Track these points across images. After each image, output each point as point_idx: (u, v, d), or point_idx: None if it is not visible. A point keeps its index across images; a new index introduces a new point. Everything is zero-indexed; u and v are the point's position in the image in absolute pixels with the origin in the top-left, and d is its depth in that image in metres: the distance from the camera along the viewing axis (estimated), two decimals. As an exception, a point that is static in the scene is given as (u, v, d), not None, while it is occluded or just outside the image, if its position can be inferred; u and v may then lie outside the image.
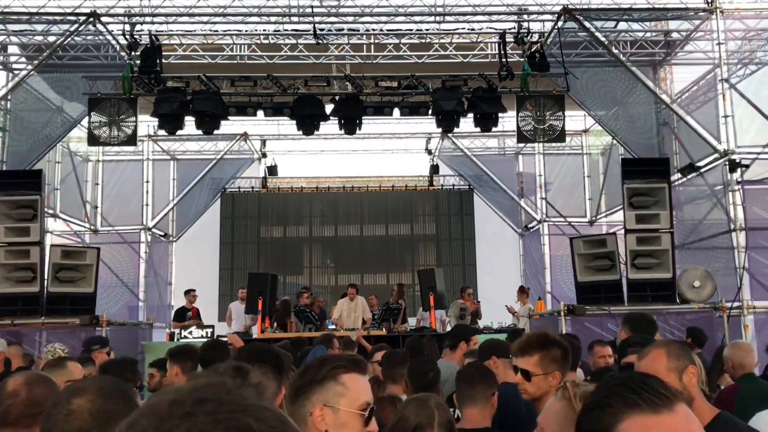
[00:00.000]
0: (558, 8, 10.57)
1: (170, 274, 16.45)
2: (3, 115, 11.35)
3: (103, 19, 10.56)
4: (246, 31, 12.18)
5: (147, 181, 15.78)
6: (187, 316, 11.88)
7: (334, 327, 11.20)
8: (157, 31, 11.39)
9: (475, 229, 17.23)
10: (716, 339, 8.78)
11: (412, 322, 12.52)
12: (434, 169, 17.66)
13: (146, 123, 14.12)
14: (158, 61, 10.87)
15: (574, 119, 14.64)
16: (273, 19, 11.46)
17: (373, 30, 12.15)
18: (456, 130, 12.12)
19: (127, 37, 10.81)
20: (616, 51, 11.03)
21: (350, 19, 11.62)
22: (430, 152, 17.64)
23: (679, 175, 11.18)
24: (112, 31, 11.13)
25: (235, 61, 12.66)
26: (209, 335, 10.87)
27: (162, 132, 12.35)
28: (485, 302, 12.94)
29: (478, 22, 11.66)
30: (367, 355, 6.06)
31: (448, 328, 10.09)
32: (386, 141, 17.39)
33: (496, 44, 11.44)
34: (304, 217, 17.72)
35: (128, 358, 5.41)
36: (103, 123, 10.96)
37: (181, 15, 10.94)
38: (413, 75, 11.29)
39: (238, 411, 0.83)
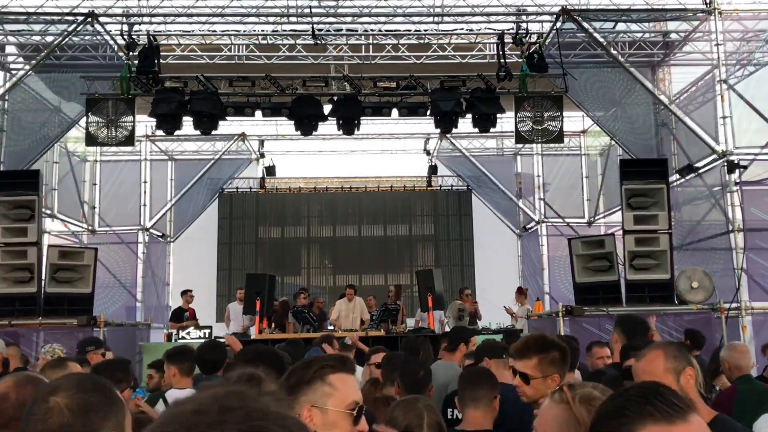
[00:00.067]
0: (556, 9, 10.57)
1: (168, 274, 16.44)
2: (0, 115, 11.32)
3: (101, 19, 10.54)
4: (244, 31, 12.18)
5: (145, 182, 15.77)
6: (184, 316, 11.86)
7: (332, 328, 11.19)
8: (155, 31, 11.37)
9: (474, 229, 17.23)
10: (714, 340, 8.78)
11: (411, 323, 12.50)
12: (432, 169, 17.68)
13: (144, 123, 14.10)
14: (156, 62, 10.87)
15: (573, 120, 14.64)
16: (271, 19, 11.46)
17: (372, 30, 12.15)
18: (454, 130, 12.13)
19: (125, 37, 10.79)
20: (614, 52, 11.04)
21: (349, 19, 11.62)
22: (428, 153, 17.66)
23: (678, 175, 11.19)
24: (110, 31, 11.12)
25: (233, 62, 12.65)
26: (207, 336, 10.86)
27: (160, 132, 12.34)
28: (483, 303, 12.93)
29: (476, 22, 11.67)
30: (364, 358, 6.04)
31: (447, 329, 10.08)
32: (384, 141, 17.40)
33: (495, 45, 11.44)
34: (302, 218, 17.71)
35: (120, 358, 5.41)
36: (100, 123, 10.95)
37: (179, 15, 10.93)
38: (412, 75, 11.29)
39: (264, 419, 0.84)
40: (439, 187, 17.85)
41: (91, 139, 11.13)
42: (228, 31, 12.15)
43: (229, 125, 13.04)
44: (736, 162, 9.89)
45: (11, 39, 11.94)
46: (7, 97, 11.15)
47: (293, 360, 4.85)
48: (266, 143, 17.35)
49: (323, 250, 17.79)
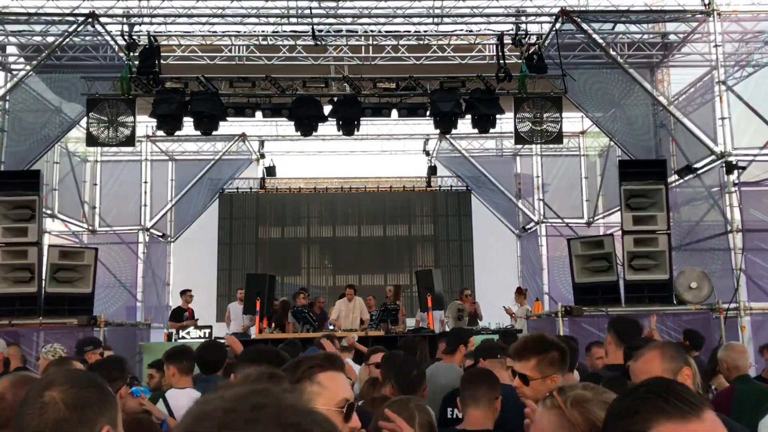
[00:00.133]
0: (556, 10, 10.59)
1: (168, 274, 16.44)
2: (1, 115, 11.34)
3: (102, 19, 10.56)
4: (244, 32, 12.19)
5: (145, 182, 15.78)
6: (184, 316, 11.88)
7: (332, 328, 11.20)
8: (155, 31, 11.39)
9: (473, 230, 17.24)
10: (713, 340, 8.80)
11: (412, 323, 12.51)
12: (432, 170, 17.69)
13: (145, 123, 14.11)
14: (157, 62, 10.88)
15: (572, 121, 14.66)
16: (271, 20, 11.48)
17: (372, 31, 12.17)
18: (454, 131, 12.14)
19: (126, 37, 10.81)
20: (613, 53, 11.06)
21: (349, 20, 11.64)
22: (428, 153, 17.68)
23: (676, 176, 11.21)
24: (111, 31, 11.13)
25: (234, 62, 12.65)
26: (207, 336, 10.88)
27: (160, 133, 12.36)
28: (483, 303, 12.94)
29: (476, 23, 11.69)
30: (363, 358, 6.06)
31: (447, 329, 10.11)
32: (384, 142, 17.41)
33: (494, 46, 11.45)
34: (302, 218, 17.73)
35: (115, 356, 5.43)
36: (101, 123, 10.97)
37: (179, 16, 10.95)
38: (411, 76, 11.31)
39: (297, 415, 0.84)
40: (438, 188, 17.86)
41: (91, 140, 11.15)
42: (228, 31, 12.17)
43: (229, 126, 13.06)
44: (734, 163, 9.91)
45: (12, 39, 11.94)
46: (8, 98, 11.16)
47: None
48: (266, 144, 17.37)
49: (323, 250, 17.81)
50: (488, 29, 11.81)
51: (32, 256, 9.63)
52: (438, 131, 12.81)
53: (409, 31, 12.16)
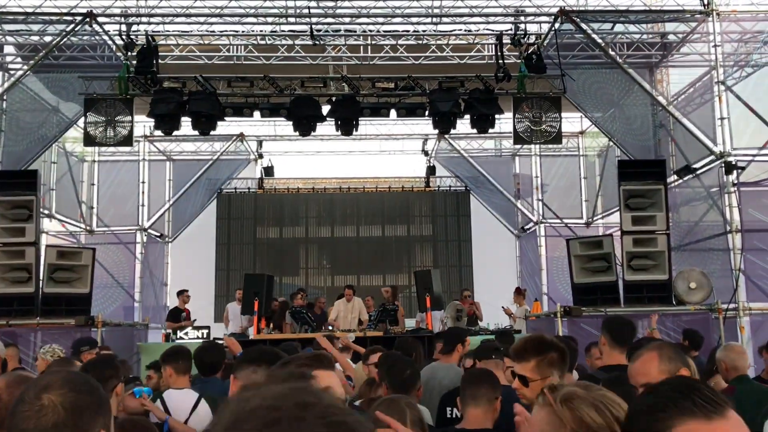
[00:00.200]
0: (555, 10, 10.59)
1: (166, 274, 16.42)
2: (-1, 115, 11.33)
3: (100, 19, 10.54)
4: (243, 31, 12.18)
5: (143, 182, 15.76)
6: (181, 316, 11.86)
7: (331, 328, 11.17)
8: (153, 31, 11.36)
9: (472, 230, 17.22)
10: (712, 341, 8.79)
11: (412, 323, 12.48)
12: (431, 170, 17.68)
13: (142, 123, 14.08)
14: (155, 62, 10.85)
15: (571, 121, 14.66)
16: (270, 20, 11.46)
17: (370, 31, 12.15)
18: (453, 131, 12.13)
19: (124, 37, 10.79)
20: (612, 53, 11.05)
21: (347, 20, 11.62)
22: (426, 153, 17.66)
23: (676, 177, 11.20)
24: (109, 31, 11.11)
25: (232, 62, 12.64)
26: (205, 336, 10.85)
27: (158, 132, 12.34)
28: (482, 304, 12.92)
29: (475, 23, 11.68)
30: (360, 358, 6.03)
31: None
32: (383, 142, 17.41)
33: (493, 46, 11.45)
34: (301, 218, 17.71)
35: (108, 355, 5.41)
36: (99, 123, 10.93)
37: (177, 15, 10.93)
38: (410, 76, 11.29)
39: (341, 414, 0.84)
40: (437, 188, 17.85)
41: (89, 140, 11.12)
42: (226, 31, 12.15)
43: (227, 126, 13.06)
44: (733, 163, 9.90)
45: (9, 39, 11.93)
46: (5, 97, 11.14)
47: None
48: (264, 144, 17.34)
49: (321, 250, 17.79)
50: (487, 29, 11.80)
51: (30, 256, 9.61)
52: (437, 131, 12.80)
53: (407, 31, 12.15)
